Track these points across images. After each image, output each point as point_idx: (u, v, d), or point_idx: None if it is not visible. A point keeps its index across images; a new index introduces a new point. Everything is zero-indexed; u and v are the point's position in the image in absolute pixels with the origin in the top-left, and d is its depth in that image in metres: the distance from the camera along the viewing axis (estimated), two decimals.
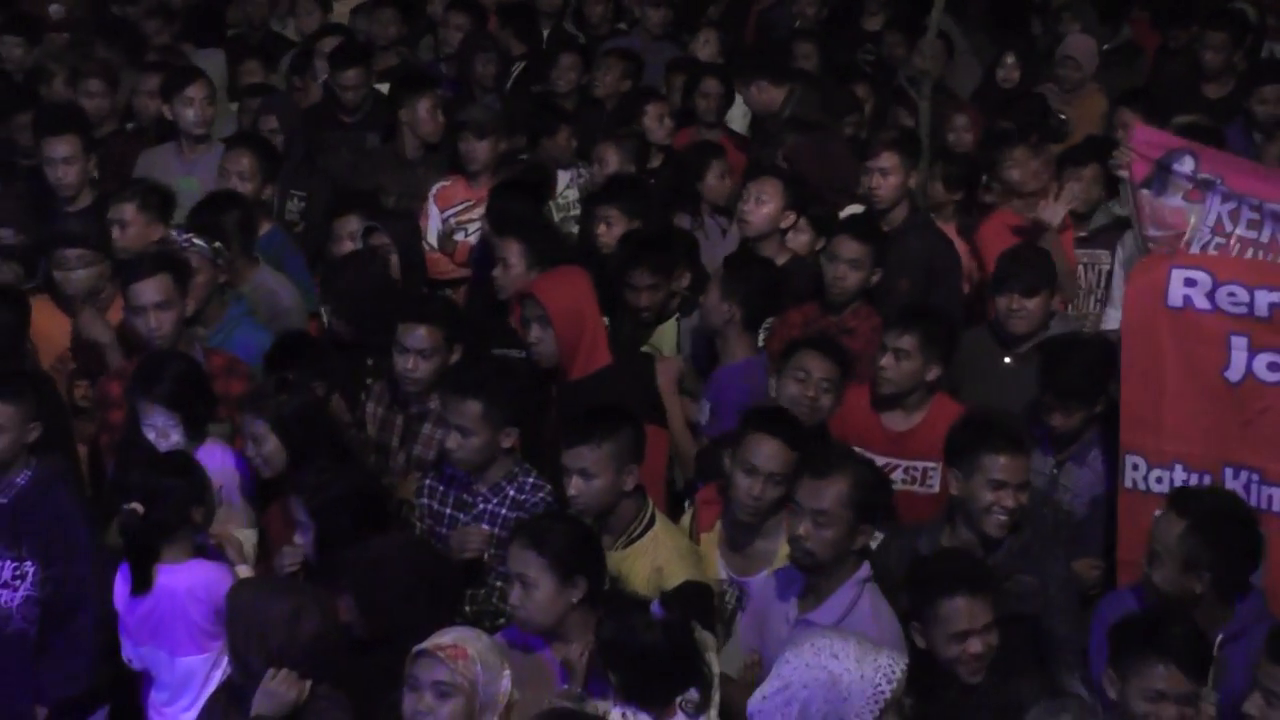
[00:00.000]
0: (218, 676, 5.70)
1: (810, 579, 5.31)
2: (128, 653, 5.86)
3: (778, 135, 8.71)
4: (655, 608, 4.92)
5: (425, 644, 4.73)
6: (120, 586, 5.80)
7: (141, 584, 5.67)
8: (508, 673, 4.78)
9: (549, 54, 10.61)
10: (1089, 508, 6.25)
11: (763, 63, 9.62)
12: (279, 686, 4.97)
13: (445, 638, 4.76)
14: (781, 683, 4.56)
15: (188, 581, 5.68)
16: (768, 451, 5.60)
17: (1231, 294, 5.96)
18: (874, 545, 5.70)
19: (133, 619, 5.77)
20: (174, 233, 7.15)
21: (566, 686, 5.09)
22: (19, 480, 6.06)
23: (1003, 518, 5.56)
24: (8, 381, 6.11)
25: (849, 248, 7.11)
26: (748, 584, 5.74)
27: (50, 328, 7.18)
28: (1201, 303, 6.00)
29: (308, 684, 4.97)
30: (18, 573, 6.06)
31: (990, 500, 5.55)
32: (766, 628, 5.43)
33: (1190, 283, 6.02)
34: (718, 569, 5.82)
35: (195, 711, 5.63)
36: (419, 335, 6.49)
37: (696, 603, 5.42)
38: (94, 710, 6.23)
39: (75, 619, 6.03)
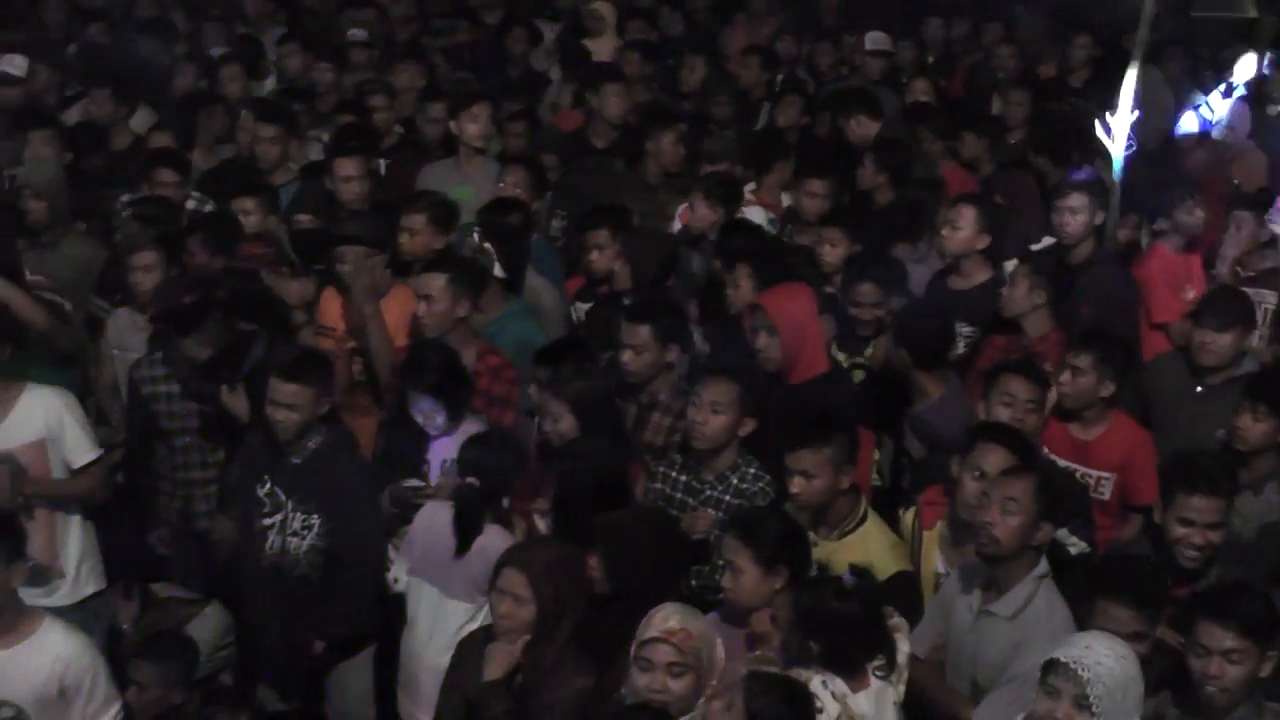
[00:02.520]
0: (471, 628, 5.88)
1: (992, 572, 5.29)
2: (397, 574, 6.16)
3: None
4: (847, 576, 4.98)
5: (656, 631, 4.81)
6: (425, 517, 6.07)
7: (465, 546, 5.89)
8: (719, 641, 4.92)
9: (780, 94, 10.78)
10: (1258, 535, 6.17)
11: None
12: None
13: (672, 622, 4.83)
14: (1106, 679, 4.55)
15: (484, 542, 5.88)
16: (994, 459, 5.60)
17: None
18: (1074, 551, 5.79)
19: (423, 556, 6.01)
20: (474, 237, 7.38)
21: (758, 652, 5.15)
22: (311, 445, 6.26)
23: (1191, 553, 5.51)
24: (302, 364, 6.31)
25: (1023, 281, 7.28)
26: None
27: (333, 313, 7.46)
28: None
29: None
30: (305, 524, 6.27)
31: (1180, 534, 5.52)
32: (952, 617, 5.44)
33: None
34: (936, 563, 5.88)
35: (450, 654, 5.78)
36: (638, 333, 6.65)
37: (904, 593, 5.53)
38: (363, 649, 6.45)
39: (352, 568, 6.23)
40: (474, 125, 8.98)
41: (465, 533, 5.90)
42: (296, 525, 6.29)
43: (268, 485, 6.31)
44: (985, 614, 5.29)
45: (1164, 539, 5.61)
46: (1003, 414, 6.24)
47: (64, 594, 6.28)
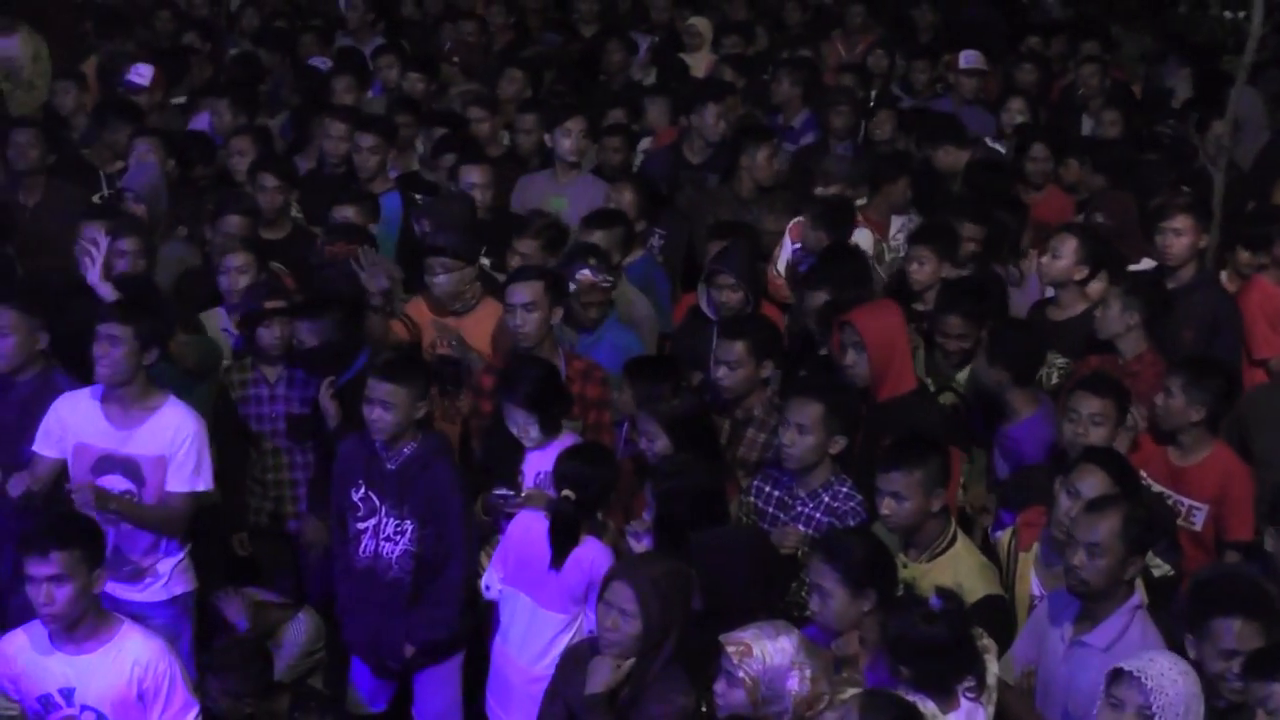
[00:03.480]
0: (567, 639, 5.93)
1: (1086, 603, 5.22)
2: (489, 581, 6.12)
3: None
4: (934, 601, 4.92)
5: (727, 636, 4.85)
6: (520, 528, 6.04)
7: (560, 559, 5.87)
8: (797, 673, 4.85)
9: (872, 111, 10.67)
10: None
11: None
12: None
13: (744, 634, 4.86)
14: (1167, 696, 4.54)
15: (579, 553, 5.88)
16: (1093, 481, 5.54)
17: None
18: (1156, 574, 5.68)
19: (516, 564, 6.00)
20: (586, 270, 7.25)
21: (844, 674, 5.12)
22: (406, 450, 6.19)
23: None
24: (400, 365, 6.25)
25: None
26: None
27: (423, 321, 7.44)
28: None
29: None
30: (399, 529, 6.22)
31: None
32: (1044, 645, 5.36)
33: None
34: (1031, 586, 5.79)
35: (542, 662, 5.91)
36: (731, 350, 6.61)
37: (993, 616, 5.44)
38: (453, 654, 6.38)
39: (445, 573, 6.18)
40: (567, 140, 8.96)
41: (561, 545, 5.88)
42: (390, 530, 6.26)
43: (362, 489, 6.27)
44: (1079, 644, 5.21)
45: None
46: (1067, 429, 6.19)
47: (155, 590, 6.26)
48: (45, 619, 5.21)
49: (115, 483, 6.19)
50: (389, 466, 6.23)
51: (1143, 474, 6.30)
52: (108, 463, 6.21)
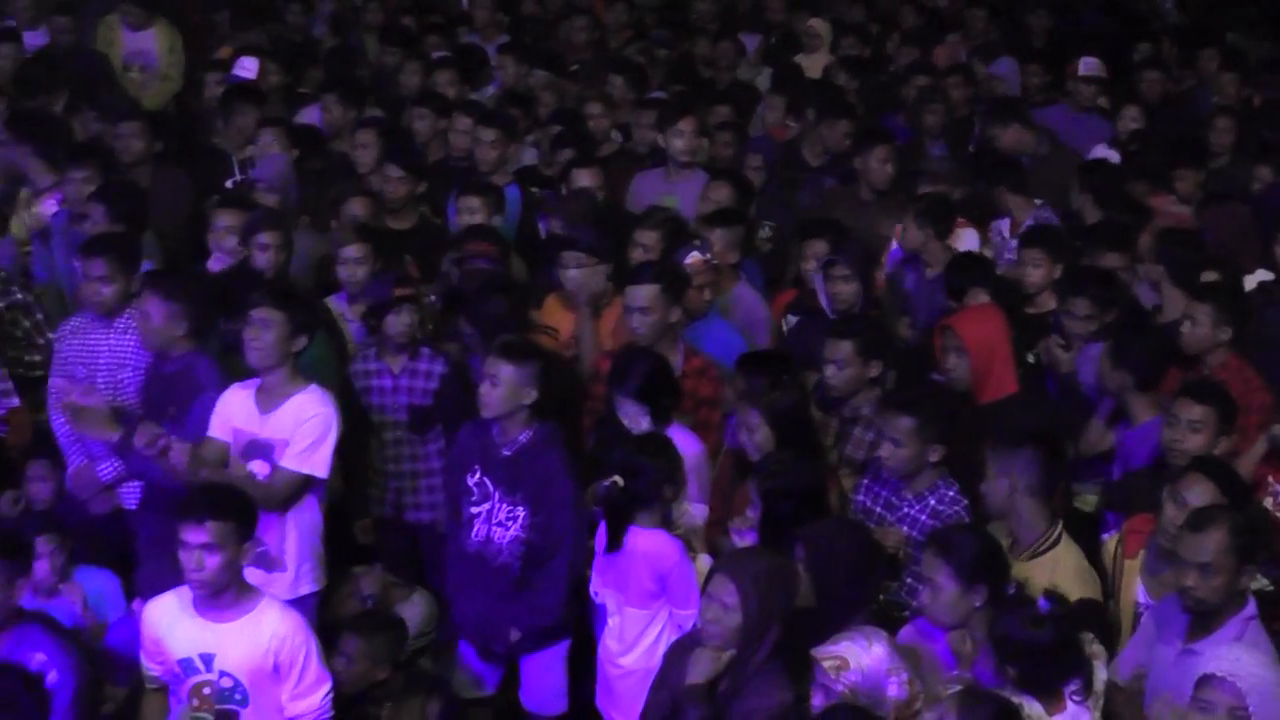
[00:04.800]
0: (663, 633, 5.94)
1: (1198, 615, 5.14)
2: (594, 588, 6.13)
3: None
4: (1042, 603, 4.92)
5: (819, 650, 4.88)
6: (601, 537, 6.04)
7: (614, 543, 5.94)
8: (895, 679, 4.88)
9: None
10: None
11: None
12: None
13: (835, 647, 4.89)
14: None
15: (645, 546, 5.91)
16: (1200, 490, 5.46)
17: None
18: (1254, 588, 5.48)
19: (604, 564, 6.06)
20: (695, 252, 7.33)
21: (956, 673, 5.13)
22: (521, 438, 6.22)
23: None
24: (514, 347, 6.30)
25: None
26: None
27: (560, 320, 7.51)
28: None
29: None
30: (511, 515, 6.26)
31: None
32: (1155, 651, 5.30)
33: None
34: (1137, 593, 5.72)
35: (629, 656, 6.01)
36: (839, 349, 6.61)
37: (1091, 619, 5.36)
38: (558, 641, 6.41)
39: (553, 561, 6.21)
40: (679, 140, 8.96)
41: (612, 530, 5.92)
42: (502, 516, 6.29)
43: (477, 474, 6.30)
44: (1190, 653, 5.10)
45: None
46: (1166, 434, 6.10)
47: (280, 589, 6.21)
48: (193, 584, 5.34)
49: (258, 467, 6.28)
50: (504, 453, 6.26)
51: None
52: (253, 448, 6.31)
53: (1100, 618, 5.55)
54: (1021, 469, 5.66)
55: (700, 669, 5.11)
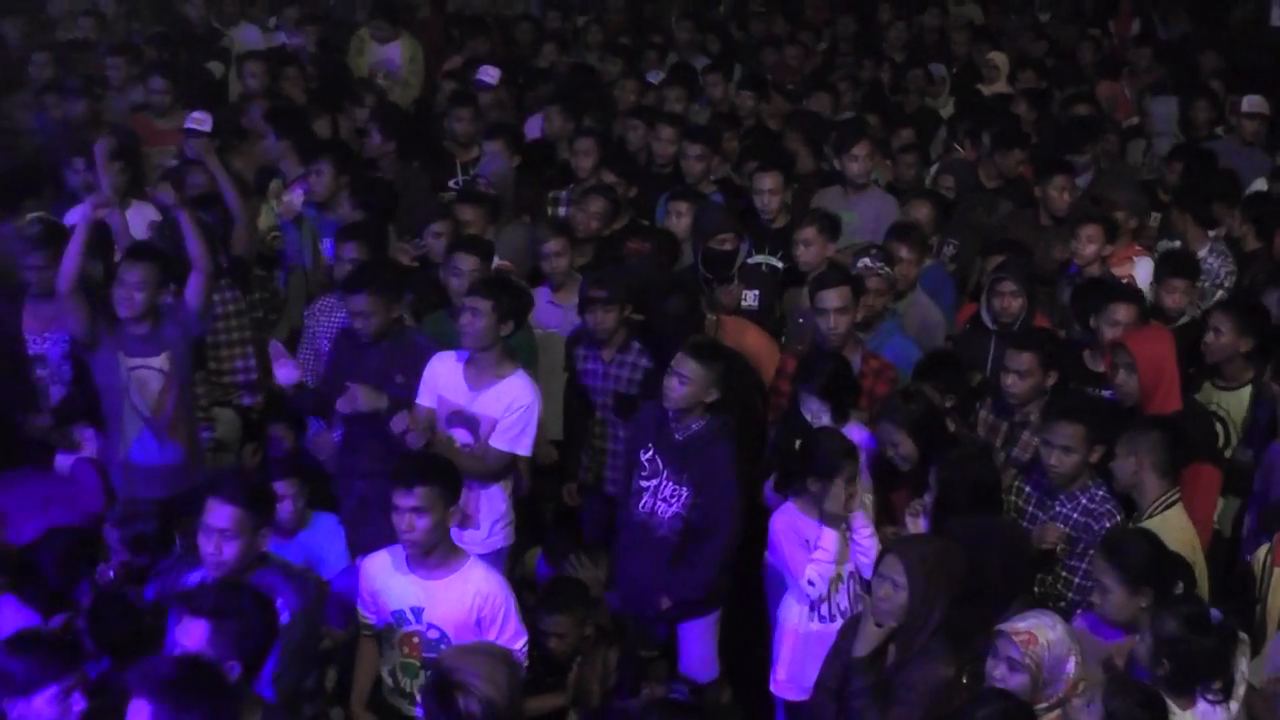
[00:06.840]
0: (797, 609, 6.04)
1: None
2: (771, 558, 6.20)
3: None
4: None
5: (1006, 625, 4.89)
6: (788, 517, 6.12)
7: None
8: (1073, 658, 4.90)
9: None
10: None
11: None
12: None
13: (1023, 623, 4.88)
14: None
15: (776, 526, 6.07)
16: None
17: None
18: None
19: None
20: (866, 259, 7.40)
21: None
22: (694, 426, 6.32)
23: None
24: (706, 348, 6.39)
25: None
26: None
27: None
28: None
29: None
30: (675, 493, 6.36)
31: None
32: None
33: None
34: None
35: (798, 621, 6.08)
36: (1020, 359, 6.64)
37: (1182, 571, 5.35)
38: (708, 612, 6.54)
39: (708, 542, 6.33)
40: (854, 165, 8.98)
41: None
42: (667, 493, 6.40)
43: (650, 452, 6.44)
44: None
45: None
46: None
47: (475, 541, 6.41)
48: (405, 544, 5.46)
49: (461, 435, 6.53)
50: (676, 437, 6.38)
51: None
52: (458, 417, 6.55)
53: (1188, 574, 5.47)
54: (1149, 449, 5.79)
55: (865, 641, 5.17)
